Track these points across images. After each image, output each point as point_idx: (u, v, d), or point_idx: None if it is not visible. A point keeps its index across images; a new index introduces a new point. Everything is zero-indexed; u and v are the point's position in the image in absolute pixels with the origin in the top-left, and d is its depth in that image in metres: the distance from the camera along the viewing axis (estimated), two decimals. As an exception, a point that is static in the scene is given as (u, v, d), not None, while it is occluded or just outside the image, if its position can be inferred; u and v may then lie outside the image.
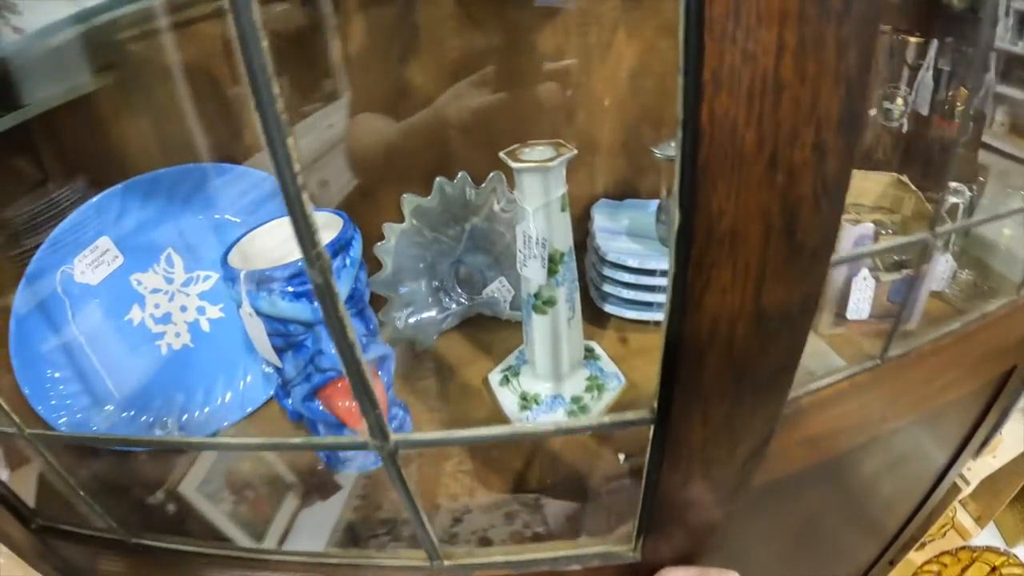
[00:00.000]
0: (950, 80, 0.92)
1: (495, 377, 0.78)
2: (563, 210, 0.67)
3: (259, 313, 0.62)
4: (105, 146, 0.78)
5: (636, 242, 0.83)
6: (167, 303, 0.78)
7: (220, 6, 0.77)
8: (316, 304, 0.57)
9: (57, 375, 0.73)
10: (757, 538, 0.95)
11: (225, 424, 0.78)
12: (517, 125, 0.80)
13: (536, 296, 0.69)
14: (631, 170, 0.90)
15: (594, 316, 0.85)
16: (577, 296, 0.71)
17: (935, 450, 0.99)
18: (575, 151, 0.64)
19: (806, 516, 0.96)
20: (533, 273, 0.68)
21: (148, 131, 0.77)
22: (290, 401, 0.67)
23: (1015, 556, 1.35)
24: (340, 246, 0.62)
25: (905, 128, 0.95)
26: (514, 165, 0.64)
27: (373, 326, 0.68)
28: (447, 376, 0.81)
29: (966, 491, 1.16)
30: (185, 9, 0.76)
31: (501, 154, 0.65)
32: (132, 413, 0.76)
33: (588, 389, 0.74)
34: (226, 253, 0.64)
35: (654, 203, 0.86)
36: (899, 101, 0.95)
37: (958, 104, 0.93)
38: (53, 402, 0.72)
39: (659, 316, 0.85)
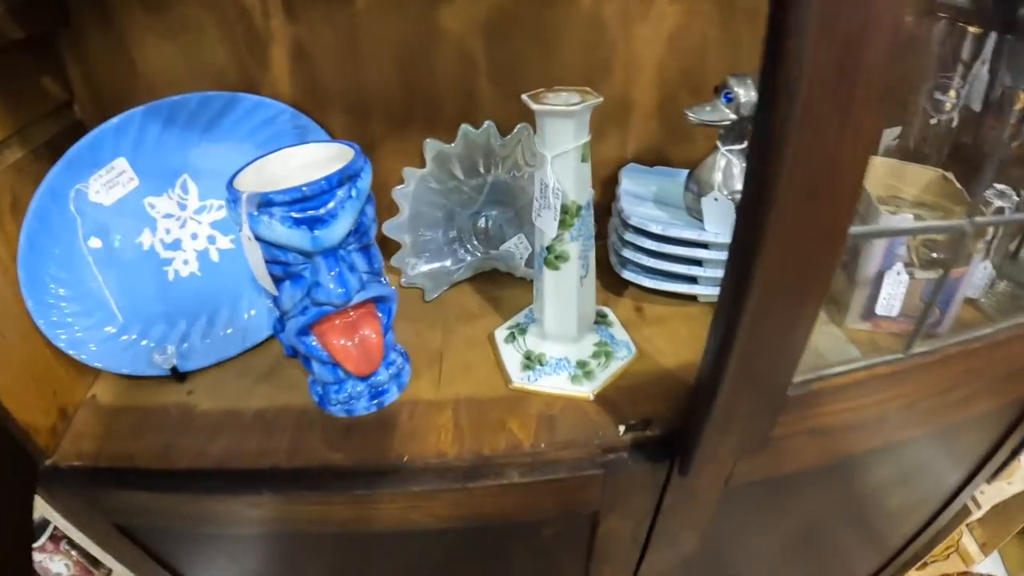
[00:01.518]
0: (1006, 77, 0.85)
1: (501, 333, 0.70)
2: (583, 161, 0.58)
3: (258, 238, 0.60)
4: (132, 70, 0.77)
5: (662, 210, 0.73)
6: (178, 229, 0.71)
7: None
8: (316, 233, 0.55)
9: (62, 291, 0.69)
10: (757, 536, 0.90)
11: (223, 357, 0.73)
12: (549, 78, 0.74)
13: (548, 249, 0.59)
14: (664, 136, 0.79)
15: (611, 282, 0.76)
16: (592, 255, 0.61)
17: (949, 468, 0.90)
18: (600, 98, 0.58)
19: (809, 520, 0.88)
20: (546, 224, 0.62)
21: (176, 56, 0.75)
22: (285, 335, 0.65)
23: (1016, 589, 1.26)
24: (347, 176, 0.53)
25: (955, 123, 0.89)
26: (535, 107, 0.58)
27: (378, 265, 0.59)
28: (453, 327, 0.72)
29: (976, 515, 1.06)
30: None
31: (524, 96, 0.61)
32: (133, 337, 0.70)
33: (596, 355, 0.65)
34: (234, 176, 0.56)
35: (684, 172, 0.76)
36: (951, 93, 0.87)
37: (1018, 104, 0.85)
38: (54, 318, 0.69)
39: (677, 287, 0.72)
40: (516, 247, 0.73)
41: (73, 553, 1.15)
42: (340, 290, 0.56)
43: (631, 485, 0.64)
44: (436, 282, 0.76)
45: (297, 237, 0.53)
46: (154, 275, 0.71)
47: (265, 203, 0.52)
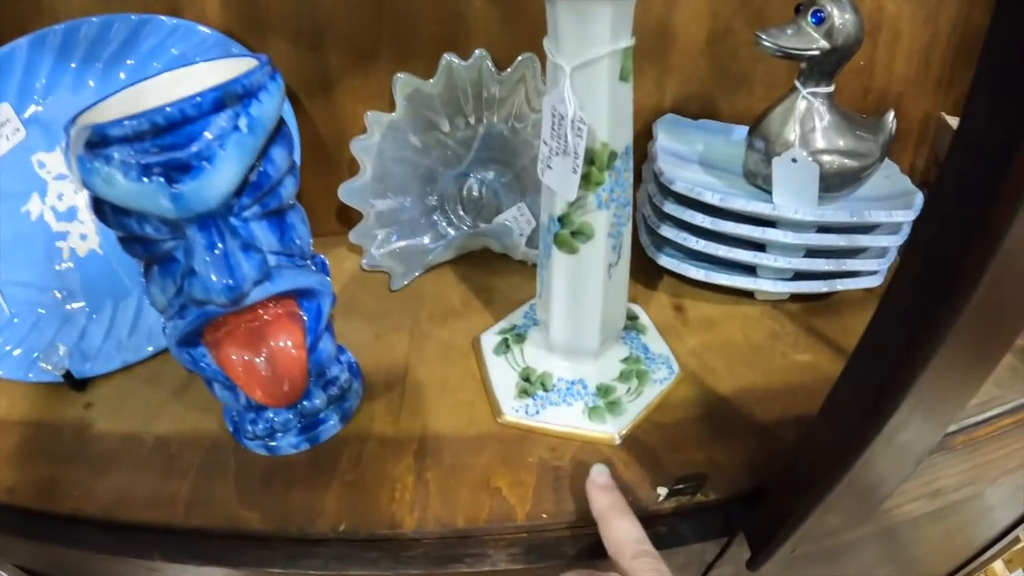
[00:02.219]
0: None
1: (490, 339, 0.39)
2: (623, 79, 0.28)
3: (96, 199, 0.29)
4: None
5: (712, 175, 0.42)
6: (74, 194, 0.41)
7: None
8: (178, 187, 0.24)
9: None
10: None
11: (130, 361, 0.42)
12: None
13: (562, 221, 0.30)
14: (713, 81, 0.47)
15: (642, 269, 0.44)
16: (628, 231, 0.32)
17: (1006, 503, 0.59)
18: None
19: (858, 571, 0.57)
20: (560, 180, 0.31)
21: None
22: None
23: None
24: (233, 95, 0.25)
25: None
26: (544, -22, 0.27)
27: (299, 241, 0.30)
28: (426, 329, 0.42)
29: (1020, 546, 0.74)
30: None
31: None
32: (22, 332, 0.40)
33: (624, 377, 0.35)
34: (89, 107, 0.27)
35: (741, 130, 0.44)
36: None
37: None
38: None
39: (732, 280, 0.36)
40: (515, 220, 0.40)
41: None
42: (225, 281, 0.28)
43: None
44: (408, 265, 0.44)
45: (150, 196, 0.25)
46: (45, 254, 0.41)
47: (99, 140, 0.24)
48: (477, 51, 0.41)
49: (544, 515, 0.32)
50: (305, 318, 0.32)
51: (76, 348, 0.42)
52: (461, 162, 0.44)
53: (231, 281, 0.27)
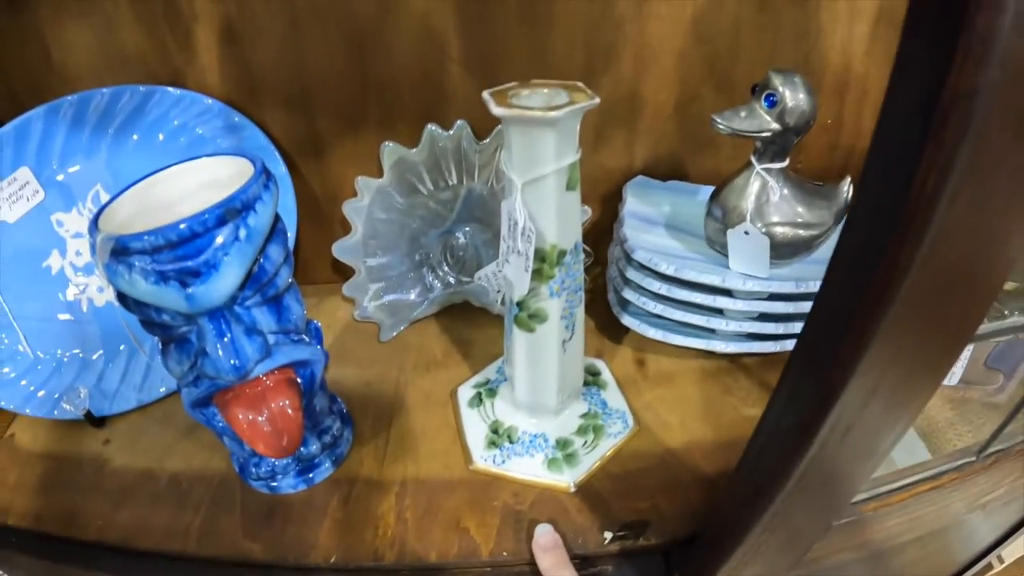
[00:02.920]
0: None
1: (465, 393, 0.47)
2: (569, 188, 0.35)
3: (121, 294, 0.37)
4: (46, 59, 0.52)
5: (676, 238, 0.49)
6: (90, 251, 0.53)
7: None
8: (191, 290, 0.31)
9: None
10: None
11: (144, 401, 0.51)
12: (540, 66, 0.48)
13: (519, 306, 0.37)
14: (682, 143, 0.54)
15: (609, 323, 0.52)
16: (580, 312, 0.39)
17: (985, 534, 0.66)
18: (596, 99, 0.33)
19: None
20: (515, 274, 0.37)
21: (90, 41, 0.50)
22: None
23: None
24: (232, 211, 0.32)
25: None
26: (499, 110, 0.33)
27: (294, 318, 0.38)
28: (410, 378, 0.50)
29: (997, 569, 0.81)
30: None
31: (485, 95, 0.35)
32: (43, 375, 0.49)
33: (582, 431, 0.42)
34: (106, 205, 0.35)
35: (706, 190, 0.52)
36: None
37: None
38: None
39: (689, 341, 0.45)
40: (491, 279, 0.47)
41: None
42: (233, 362, 0.36)
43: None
44: (396, 317, 0.52)
45: (167, 296, 0.33)
46: (65, 304, 0.49)
47: (120, 251, 0.32)
48: (458, 121, 0.48)
49: (505, 553, 0.40)
50: (300, 383, 0.40)
51: (95, 389, 0.51)
52: (444, 221, 0.51)
53: (237, 362, 0.35)
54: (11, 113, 0.51)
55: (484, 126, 0.49)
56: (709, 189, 0.51)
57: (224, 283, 0.33)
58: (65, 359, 0.51)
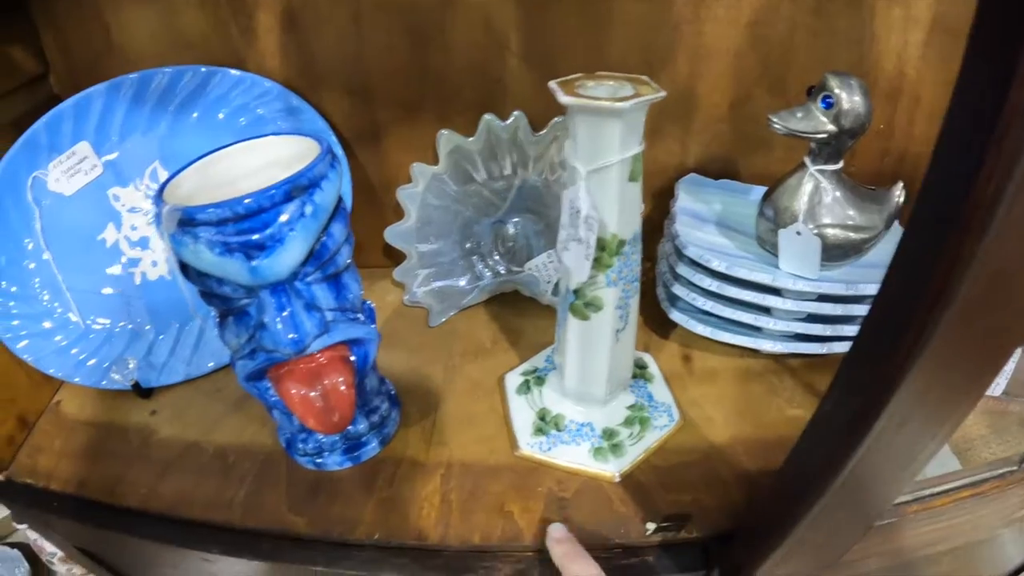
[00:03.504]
0: None
1: (513, 380, 0.50)
2: (632, 180, 0.38)
3: (185, 265, 0.37)
4: (106, 39, 0.54)
5: (726, 236, 0.52)
6: (146, 226, 0.54)
7: None
8: (255, 263, 0.34)
9: (14, 290, 0.52)
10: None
11: (193, 375, 0.55)
12: (597, 62, 0.51)
13: (576, 294, 0.40)
14: (735, 143, 0.57)
15: (656, 317, 0.55)
16: (635, 302, 0.42)
17: (1013, 550, 0.67)
18: (662, 92, 0.34)
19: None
20: (574, 262, 0.41)
21: (153, 22, 0.52)
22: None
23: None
24: (299, 187, 0.35)
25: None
26: (566, 99, 0.36)
27: (351, 297, 0.41)
28: (458, 364, 0.53)
29: None
30: None
31: (552, 84, 0.38)
32: (92, 347, 0.53)
33: (628, 422, 0.45)
34: (171, 179, 0.38)
35: (759, 191, 0.55)
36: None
37: None
38: (9, 321, 0.52)
39: (736, 338, 0.48)
40: (541, 269, 0.51)
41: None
42: (292, 336, 0.38)
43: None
44: (445, 304, 0.56)
45: (232, 268, 0.35)
46: (118, 277, 0.53)
47: (188, 221, 0.34)
48: (515, 113, 0.51)
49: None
50: (354, 361, 0.43)
51: (144, 360, 0.54)
52: (497, 211, 0.54)
53: (296, 336, 0.38)
54: (69, 91, 0.55)
55: (540, 118, 0.52)
56: (760, 189, 0.54)
57: (288, 258, 0.36)
58: (116, 330, 0.54)
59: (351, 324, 0.42)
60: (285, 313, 0.37)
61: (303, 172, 0.36)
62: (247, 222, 0.34)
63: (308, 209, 0.36)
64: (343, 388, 0.42)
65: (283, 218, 0.35)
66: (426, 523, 0.44)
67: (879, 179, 0.53)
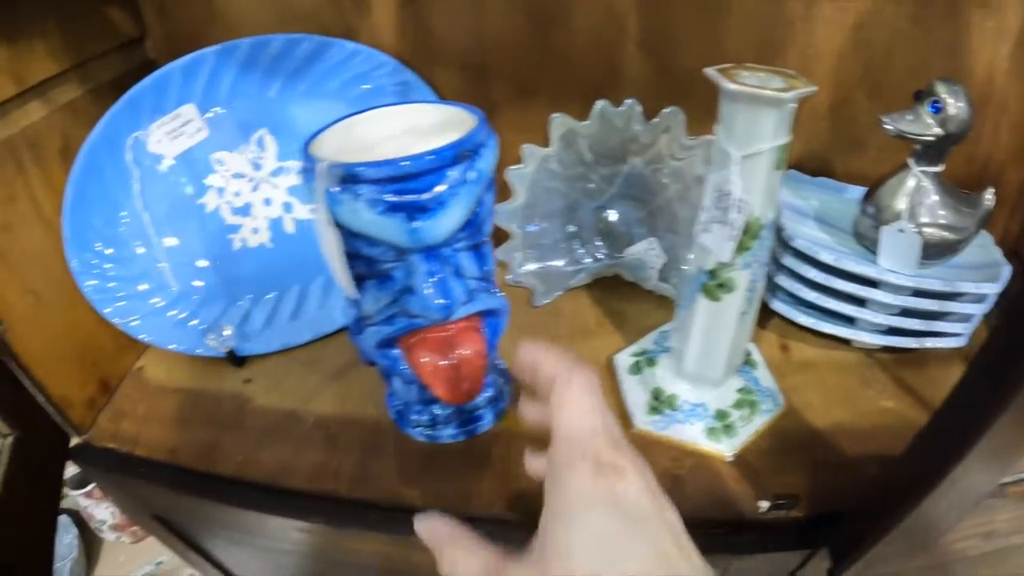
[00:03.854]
0: None
1: (624, 360, 0.53)
2: (778, 167, 0.41)
3: (338, 224, 0.37)
4: (209, 5, 0.57)
5: (826, 232, 0.55)
6: (249, 192, 0.55)
7: None
8: (416, 224, 0.36)
9: (108, 252, 0.52)
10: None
11: (289, 344, 0.56)
12: (710, 56, 0.55)
13: (711, 275, 0.43)
14: (833, 142, 0.60)
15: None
16: (761, 287, 0.44)
17: None
18: (814, 87, 0.40)
19: None
20: (716, 243, 0.44)
21: None
22: (362, 341, 0.44)
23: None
24: (465, 152, 0.36)
25: None
26: (732, 88, 0.40)
27: (488, 269, 0.43)
28: (564, 344, 0.56)
29: None
30: None
31: (710, 71, 0.41)
32: (187, 312, 0.54)
33: (738, 405, 0.48)
34: (313, 137, 0.40)
35: (854, 190, 0.58)
36: None
37: None
38: (100, 283, 0.52)
39: (833, 328, 0.53)
40: (646, 253, 0.53)
41: (120, 503, 1.02)
42: (441, 301, 0.39)
43: (752, 574, 0.48)
44: (549, 285, 0.58)
45: (391, 228, 0.37)
46: (217, 243, 0.54)
47: (350, 178, 0.35)
48: (629, 100, 0.53)
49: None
50: (487, 332, 0.45)
51: (239, 328, 0.55)
52: (602, 196, 0.57)
53: (446, 301, 0.39)
54: (165, 57, 0.56)
55: (651, 105, 0.54)
56: (855, 188, 0.58)
57: (448, 221, 0.38)
58: (211, 297, 0.55)
59: (489, 295, 0.43)
60: (435, 279, 0.38)
61: (468, 138, 0.37)
62: (412, 182, 0.35)
63: (471, 175, 0.38)
64: (475, 359, 0.44)
65: (447, 182, 0.36)
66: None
67: (965, 183, 0.57)
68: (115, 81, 0.58)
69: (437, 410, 0.48)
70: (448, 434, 0.48)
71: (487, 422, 0.49)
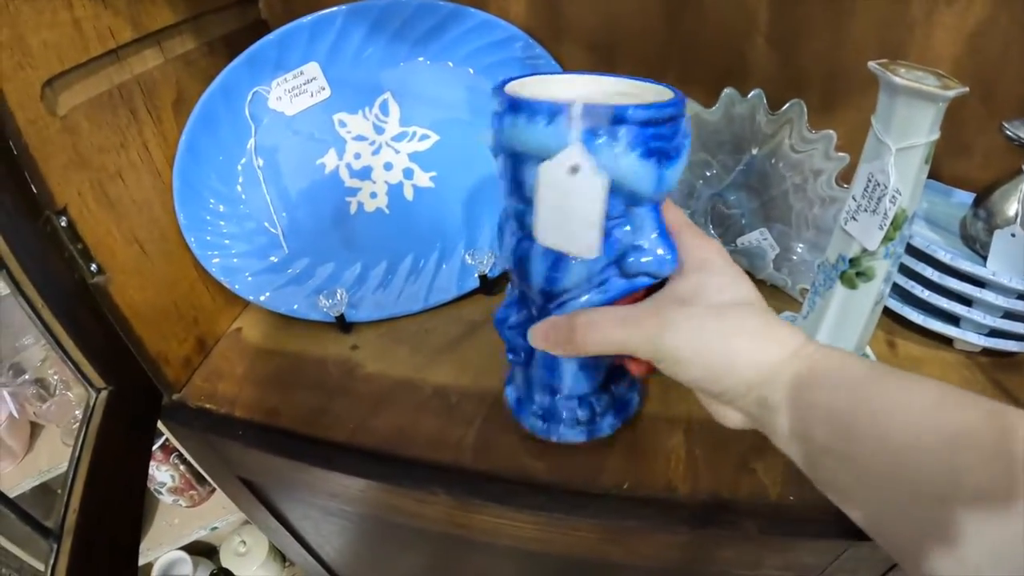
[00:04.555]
0: None
1: None
2: (927, 162, 0.47)
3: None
4: None
5: (934, 232, 0.60)
6: (370, 156, 0.58)
7: None
8: (666, 170, 0.38)
9: (221, 208, 0.55)
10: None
11: (398, 313, 0.59)
12: (836, 52, 0.57)
13: (853, 263, 0.48)
14: (941, 146, 0.65)
15: None
16: (893, 278, 0.49)
17: None
18: (965, 88, 0.45)
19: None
20: (863, 232, 0.48)
21: None
22: (534, 312, 0.44)
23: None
24: (673, 116, 0.37)
25: None
26: (901, 82, 0.44)
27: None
28: None
29: None
30: None
31: (873, 65, 0.46)
32: (297, 271, 0.57)
33: None
34: (505, 83, 0.39)
35: (960, 194, 0.63)
36: None
37: None
38: (208, 238, 0.54)
39: (939, 326, 0.58)
40: (759, 243, 0.57)
41: (181, 467, 1.10)
42: (669, 256, 0.40)
43: (863, 560, 0.51)
44: None
45: (643, 173, 0.37)
46: (333, 205, 0.57)
47: (618, 119, 0.35)
48: (755, 90, 0.57)
49: (791, 497, 0.49)
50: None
51: (349, 294, 0.57)
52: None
53: (672, 256, 0.40)
54: (277, 19, 0.58)
55: (775, 96, 0.58)
56: (960, 193, 0.63)
57: (681, 169, 0.39)
58: (323, 260, 0.58)
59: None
60: (655, 235, 0.40)
61: (679, 98, 0.39)
62: (666, 127, 0.37)
63: (690, 127, 0.40)
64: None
65: (683, 129, 0.38)
66: (675, 475, 0.49)
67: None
68: (227, 37, 0.60)
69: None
70: (575, 433, 0.49)
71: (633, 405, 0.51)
